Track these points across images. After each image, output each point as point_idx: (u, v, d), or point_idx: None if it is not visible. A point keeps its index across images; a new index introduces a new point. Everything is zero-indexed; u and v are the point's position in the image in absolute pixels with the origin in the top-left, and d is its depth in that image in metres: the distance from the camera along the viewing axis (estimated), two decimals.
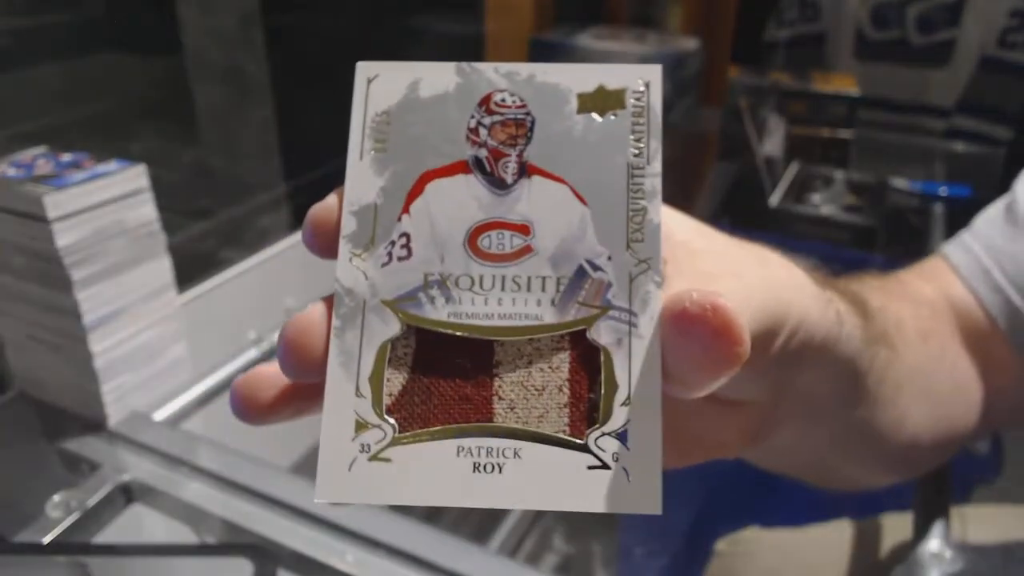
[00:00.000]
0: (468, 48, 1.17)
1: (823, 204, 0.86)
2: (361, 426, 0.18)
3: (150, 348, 0.54)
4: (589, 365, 0.18)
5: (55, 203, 0.46)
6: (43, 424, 0.54)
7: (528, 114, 0.19)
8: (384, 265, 0.18)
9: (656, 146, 0.19)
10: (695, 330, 0.17)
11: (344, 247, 0.19)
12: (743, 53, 1.32)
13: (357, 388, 0.18)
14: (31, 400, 0.55)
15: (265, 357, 0.63)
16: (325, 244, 0.19)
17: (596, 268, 0.18)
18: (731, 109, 1.00)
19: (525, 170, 0.19)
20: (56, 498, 0.46)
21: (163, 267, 0.54)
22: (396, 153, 0.19)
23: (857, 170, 0.96)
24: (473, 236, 0.19)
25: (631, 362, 0.18)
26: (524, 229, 0.19)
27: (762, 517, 0.61)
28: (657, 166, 0.19)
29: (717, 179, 1.00)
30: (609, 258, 0.18)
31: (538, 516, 0.74)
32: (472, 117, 0.19)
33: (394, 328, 0.18)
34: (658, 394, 0.18)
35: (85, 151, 0.52)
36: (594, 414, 0.18)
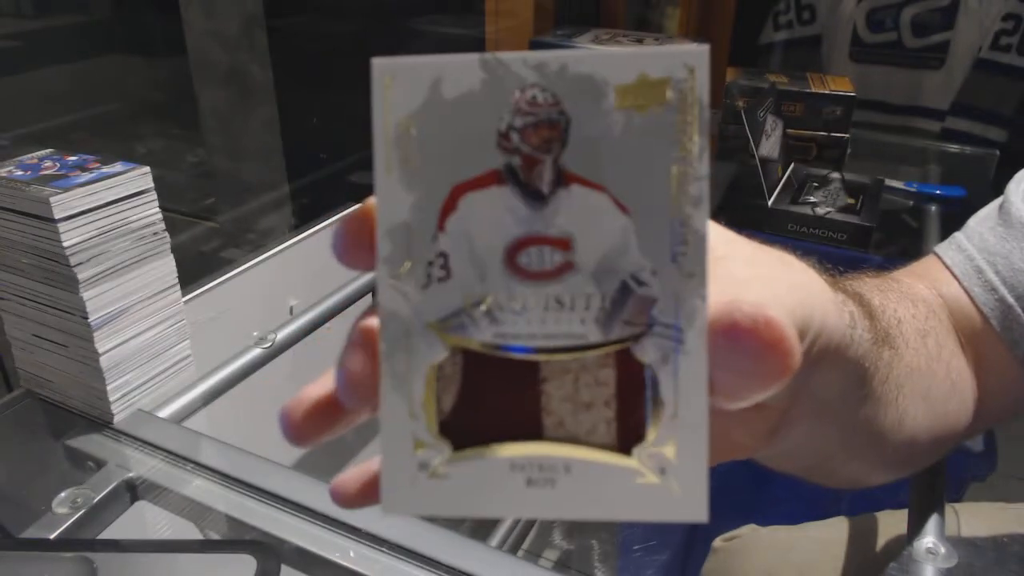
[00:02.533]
0: (468, 49, 1.18)
1: (819, 205, 0.87)
2: (419, 445, 0.18)
3: (155, 347, 0.55)
4: (635, 381, 0.18)
5: (61, 203, 0.47)
6: (49, 422, 0.54)
7: (562, 113, 0.18)
8: (424, 287, 0.18)
9: (704, 144, 0.17)
10: (746, 344, 0.17)
11: (382, 270, 0.18)
12: (740, 55, 1.33)
13: (411, 409, 0.18)
14: (37, 398, 0.55)
15: (269, 356, 0.63)
16: (357, 257, 0.19)
17: (640, 283, 0.18)
18: (728, 110, 1.01)
19: (562, 178, 0.18)
20: (62, 495, 0.46)
21: (167, 267, 0.54)
22: (424, 165, 0.18)
23: (853, 171, 0.96)
24: (511, 253, 0.18)
25: (677, 378, 0.17)
26: (564, 244, 0.18)
27: (759, 515, 0.61)
28: (704, 169, 0.17)
29: (714, 179, 1.00)
30: (653, 272, 0.17)
31: None
32: (502, 119, 0.18)
33: (440, 351, 0.18)
34: (704, 408, 0.17)
35: (91, 153, 0.53)
36: (641, 429, 0.18)
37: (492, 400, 0.19)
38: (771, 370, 0.17)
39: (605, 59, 0.18)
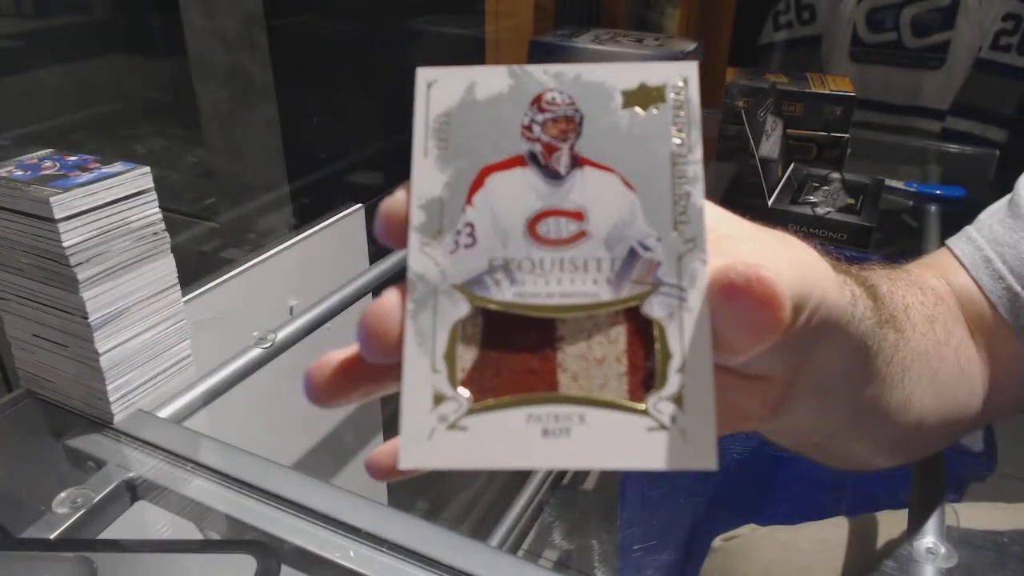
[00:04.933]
0: (468, 50, 1.18)
1: (819, 204, 0.87)
2: (439, 398, 0.19)
3: (155, 347, 0.55)
4: (644, 337, 0.20)
5: (61, 203, 0.47)
6: (49, 422, 0.54)
7: (577, 111, 0.21)
8: (452, 252, 0.20)
9: (696, 136, 0.20)
10: (741, 299, 0.19)
11: (414, 237, 0.20)
12: (740, 55, 1.33)
13: (433, 364, 0.19)
14: (37, 398, 0.55)
15: (269, 356, 0.63)
16: (395, 235, 0.20)
17: (646, 249, 0.20)
18: (729, 110, 1.01)
19: (577, 161, 0.20)
20: (62, 495, 0.46)
21: (167, 267, 0.54)
22: (457, 150, 0.20)
23: (853, 171, 0.96)
24: (532, 223, 0.20)
25: (683, 332, 0.19)
26: (578, 215, 0.20)
27: (759, 515, 0.62)
28: (698, 154, 0.20)
29: (715, 180, 1.00)
30: (658, 239, 0.20)
31: (537, 512, 0.75)
32: (525, 115, 0.21)
33: (464, 309, 0.20)
34: (709, 360, 0.19)
35: (91, 153, 0.53)
36: (651, 381, 0.19)
37: (510, 357, 0.20)
38: (764, 322, 0.19)
39: (612, 69, 0.21)
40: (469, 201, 0.20)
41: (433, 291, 0.19)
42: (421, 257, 0.20)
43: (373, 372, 0.21)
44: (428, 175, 0.20)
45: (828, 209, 0.86)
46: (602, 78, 0.21)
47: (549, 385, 0.19)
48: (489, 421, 0.19)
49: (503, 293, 0.20)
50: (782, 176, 0.93)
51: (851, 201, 0.89)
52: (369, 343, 0.19)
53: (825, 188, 0.91)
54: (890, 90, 1.34)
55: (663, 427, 0.19)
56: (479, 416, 0.19)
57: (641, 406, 0.19)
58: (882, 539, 0.53)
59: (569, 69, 0.21)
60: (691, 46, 1.09)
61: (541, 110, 0.21)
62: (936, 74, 1.31)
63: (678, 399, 0.19)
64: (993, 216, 0.44)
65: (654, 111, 0.20)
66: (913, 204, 0.99)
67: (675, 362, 0.19)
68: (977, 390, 0.40)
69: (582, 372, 0.19)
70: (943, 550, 0.43)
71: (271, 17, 1.03)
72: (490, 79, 0.21)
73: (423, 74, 0.21)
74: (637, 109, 0.20)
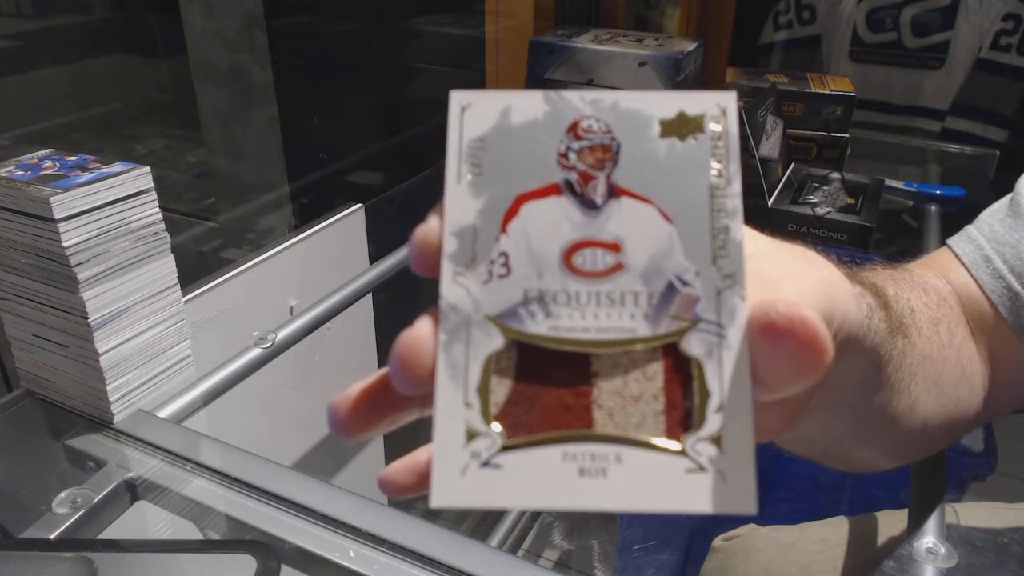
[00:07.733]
0: (468, 49, 1.18)
1: (819, 205, 0.86)
2: (471, 434, 0.18)
3: (155, 347, 0.55)
4: (682, 374, 0.19)
5: (61, 204, 0.47)
6: (49, 422, 0.54)
7: (614, 139, 0.20)
8: (485, 282, 0.19)
9: (736, 168, 0.20)
10: (783, 341, 0.18)
11: (447, 266, 0.19)
12: (740, 55, 1.33)
13: (466, 398, 0.19)
14: (37, 398, 0.55)
15: (269, 356, 0.63)
16: (428, 263, 0.20)
17: (685, 283, 0.19)
18: None
19: (613, 191, 0.20)
20: (62, 495, 0.46)
21: (167, 267, 0.54)
22: (491, 177, 0.20)
23: (853, 171, 0.96)
24: (568, 254, 0.20)
25: (722, 371, 0.19)
26: (615, 247, 0.20)
27: (759, 516, 0.61)
28: (737, 187, 0.20)
29: None
30: (697, 274, 0.19)
31: (537, 512, 0.75)
32: (561, 142, 0.20)
33: (498, 342, 0.19)
34: (749, 400, 0.18)
35: (91, 153, 0.53)
36: (689, 420, 0.19)
37: (544, 392, 0.19)
38: (807, 365, 0.18)
39: (650, 97, 0.20)
40: (503, 229, 0.20)
41: (466, 322, 0.19)
42: (454, 286, 0.19)
43: (396, 400, 0.21)
44: (461, 201, 0.20)
45: (828, 209, 0.85)
46: (639, 106, 0.20)
47: (584, 422, 0.19)
48: (524, 459, 0.18)
49: (538, 326, 0.19)
50: (782, 176, 0.93)
51: (851, 201, 0.89)
52: (401, 374, 0.19)
53: (825, 188, 0.91)
54: (890, 90, 1.35)
55: (702, 469, 0.18)
56: (513, 454, 0.18)
57: (679, 446, 0.18)
58: (882, 539, 0.53)
59: (606, 96, 0.20)
60: (691, 46, 1.09)
61: (578, 137, 0.20)
62: (936, 74, 1.31)
63: (717, 440, 0.18)
64: (993, 215, 0.44)
65: (692, 141, 0.20)
66: (913, 204, 0.99)
67: (714, 401, 0.18)
68: (978, 390, 0.40)
69: (618, 409, 0.19)
70: (943, 550, 0.43)
71: (271, 17, 1.03)
72: (525, 104, 0.20)
73: (457, 97, 0.20)
74: (675, 139, 0.20)
